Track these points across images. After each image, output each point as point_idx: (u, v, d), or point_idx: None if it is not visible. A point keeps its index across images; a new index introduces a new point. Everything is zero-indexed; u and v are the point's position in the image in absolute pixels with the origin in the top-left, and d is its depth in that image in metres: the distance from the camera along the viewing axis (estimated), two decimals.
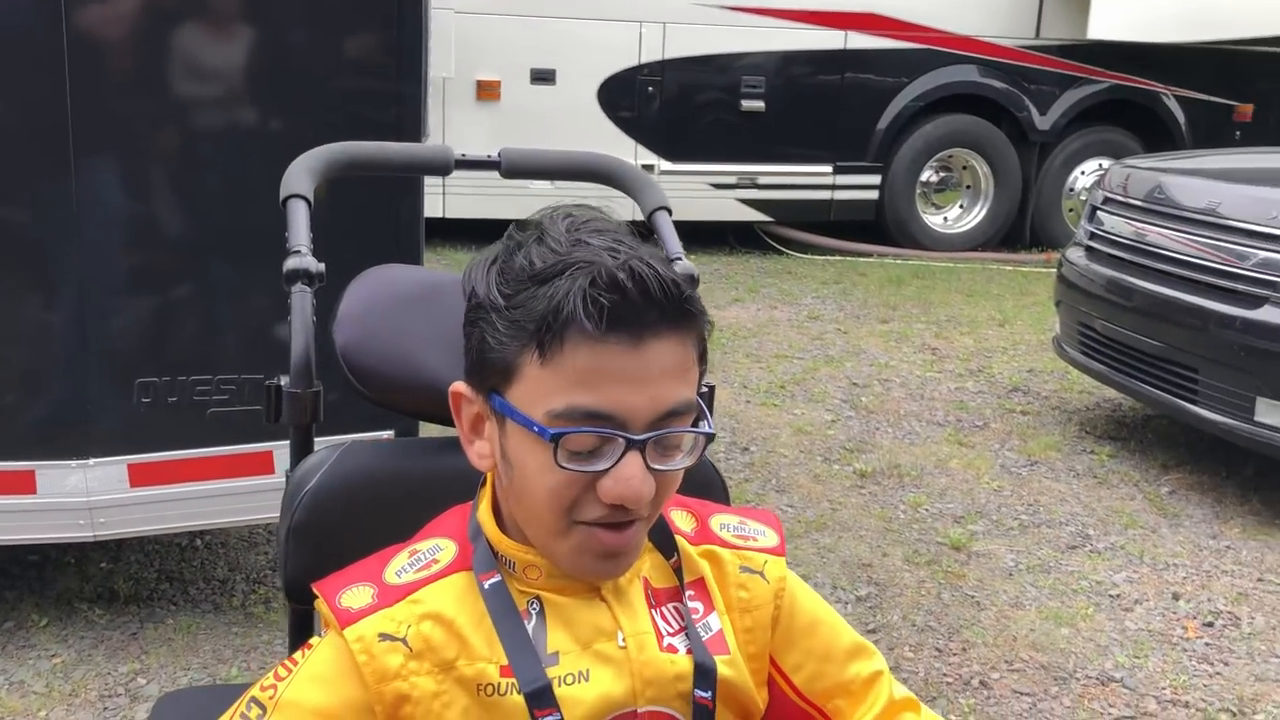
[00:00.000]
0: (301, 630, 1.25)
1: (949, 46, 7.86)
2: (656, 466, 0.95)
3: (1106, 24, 7.71)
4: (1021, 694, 2.76)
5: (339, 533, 1.09)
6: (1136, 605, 3.20)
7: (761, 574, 1.11)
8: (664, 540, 1.09)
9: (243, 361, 2.60)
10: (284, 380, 1.27)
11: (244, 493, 2.66)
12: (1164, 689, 2.78)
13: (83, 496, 2.56)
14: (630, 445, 0.93)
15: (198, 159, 2.55)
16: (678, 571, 1.09)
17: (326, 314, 1.25)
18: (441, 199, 7.10)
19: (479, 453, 1.03)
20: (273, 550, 3.28)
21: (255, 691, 1.00)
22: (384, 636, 0.98)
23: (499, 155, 1.46)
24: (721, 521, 1.14)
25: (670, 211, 1.45)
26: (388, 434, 2.59)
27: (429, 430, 2.12)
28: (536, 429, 0.93)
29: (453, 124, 7.05)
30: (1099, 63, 8.07)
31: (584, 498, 0.96)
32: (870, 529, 3.63)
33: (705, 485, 1.25)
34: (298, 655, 1.02)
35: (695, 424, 0.98)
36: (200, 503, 2.63)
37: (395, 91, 2.58)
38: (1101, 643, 2.99)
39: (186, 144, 2.54)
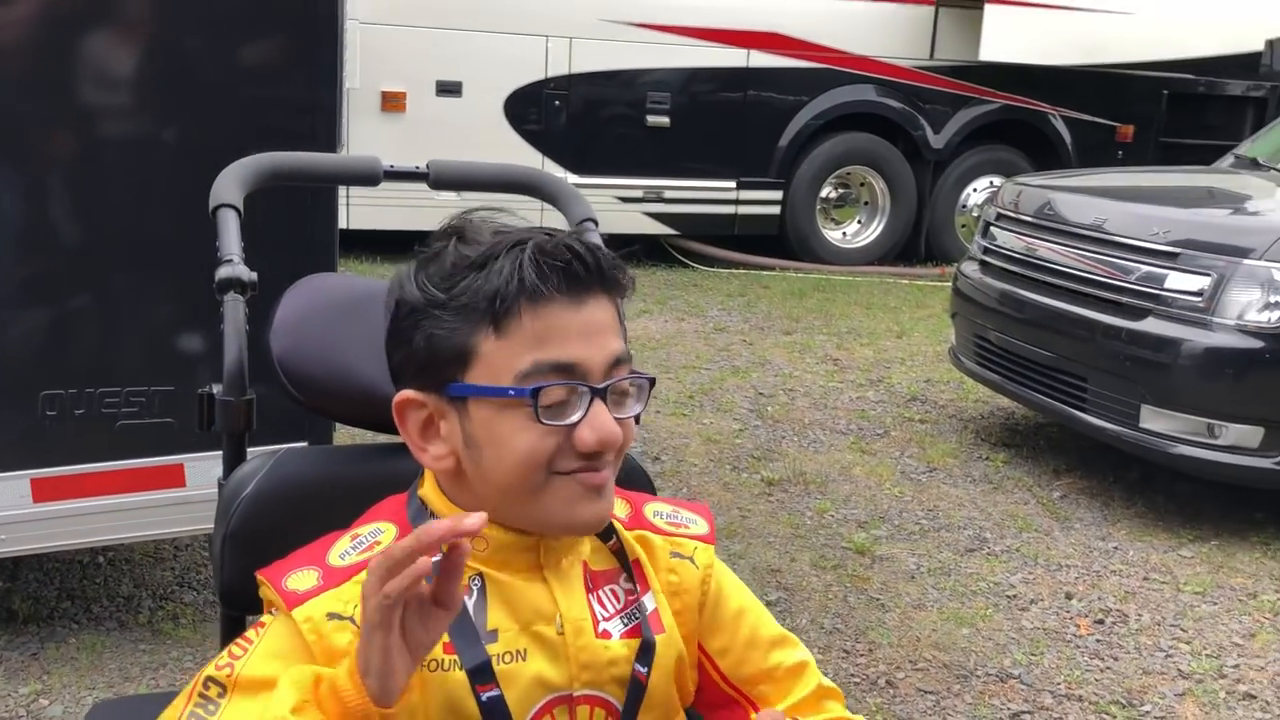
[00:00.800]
0: (234, 636, 1.25)
1: (847, 66, 8.07)
2: (617, 415, 1.03)
3: (997, 47, 8.01)
4: (926, 692, 2.85)
5: (275, 539, 1.10)
6: (1032, 605, 3.33)
7: (691, 559, 1.17)
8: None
9: (152, 373, 2.56)
10: (216, 389, 1.28)
11: (153, 507, 2.61)
12: (1059, 684, 2.91)
13: None
14: (595, 394, 1.01)
15: (103, 168, 2.50)
16: (618, 554, 1.13)
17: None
18: (345, 210, 7.03)
19: (434, 455, 1.07)
20: (180, 566, 3.22)
21: (210, 671, 1.01)
22: (332, 616, 1.01)
23: (427, 167, 1.48)
24: (655, 509, 1.20)
25: (597, 223, 1.49)
26: (302, 444, 2.57)
27: (344, 439, 2.13)
28: (513, 392, 1.00)
29: (357, 135, 6.99)
30: (990, 83, 8.37)
31: (560, 451, 1.02)
32: (779, 535, 3.71)
33: (632, 477, 1.29)
34: (250, 634, 1.04)
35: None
36: (108, 518, 2.58)
37: (310, 101, 2.58)
38: (1000, 641, 3.11)
39: (90, 152, 2.49)
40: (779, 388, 5.35)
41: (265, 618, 1.06)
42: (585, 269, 1.01)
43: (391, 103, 7.19)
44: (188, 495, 2.64)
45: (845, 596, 3.32)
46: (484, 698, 1.02)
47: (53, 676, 2.66)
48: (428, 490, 1.10)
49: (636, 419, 1.07)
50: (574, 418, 1.01)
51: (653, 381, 1.09)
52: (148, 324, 2.59)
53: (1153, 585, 3.49)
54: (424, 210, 7.09)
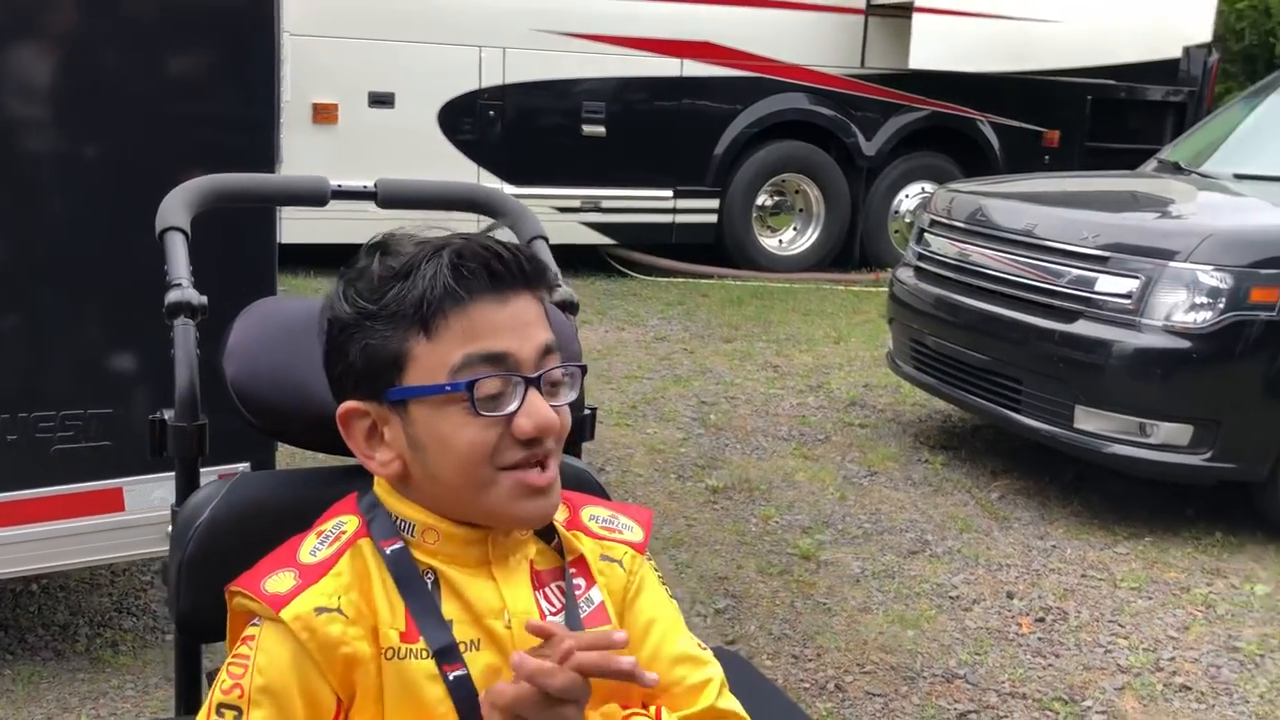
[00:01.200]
0: (189, 663, 1.24)
1: (780, 75, 8.15)
2: (552, 403, 1.08)
3: (926, 55, 8.15)
4: (874, 695, 2.89)
5: (233, 564, 1.09)
6: (975, 605, 3.39)
7: (620, 563, 1.19)
8: (544, 527, 1.16)
9: (88, 396, 2.51)
10: (168, 414, 1.26)
11: (92, 532, 2.56)
12: (1003, 682, 2.96)
13: None
14: (529, 383, 1.06)
15: (32, 187, 2.44)
16: (559, 551, 1.16)
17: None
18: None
19: (381, 461, 1.10)
20: (118, 591, 3.16)
21: (219, 698, 1.02)
22: (320, 609, 1.03)
23: (375, 186, 1.47)
24: (592, 513, 1.22)
25: (548, 240, 1.49)
26: (243, 466, 2.53)
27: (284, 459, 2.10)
28: (449, 387, 1.04)
29: (289, 148, 6.88)
30: (920, 91, 8.51)
31: (502, 443, 1.05)
32: (725, 543, 3.73)
33: (583, 486, 1.32)
34: (244, 649, 1.04)
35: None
36: (45, 545, 2.52)
37: (245, 116, 2.55)
38: (945, 642, 3.16)
39: (17, 171, 2.43)
40: (721, 395, 5.39)
41: (249, 629, 1.06)
42: (505, 267, 1.06)
43: (323, 114, 7.11)
44: (127, 519, 2.59)
45: (792, 602, 3.35)
46: (451, 676, 1.04)
47: None
48: (379, 488, 1.13)
49: (573, 407, 1.12)
50: (511, 407, 1.05)
51: (584, 369, 1.14)
52: (82, 346, 2.54)
53: (1090, 582, 3.56)
54: (357, 224, 7.04)
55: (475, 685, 1.05)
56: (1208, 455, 3.75)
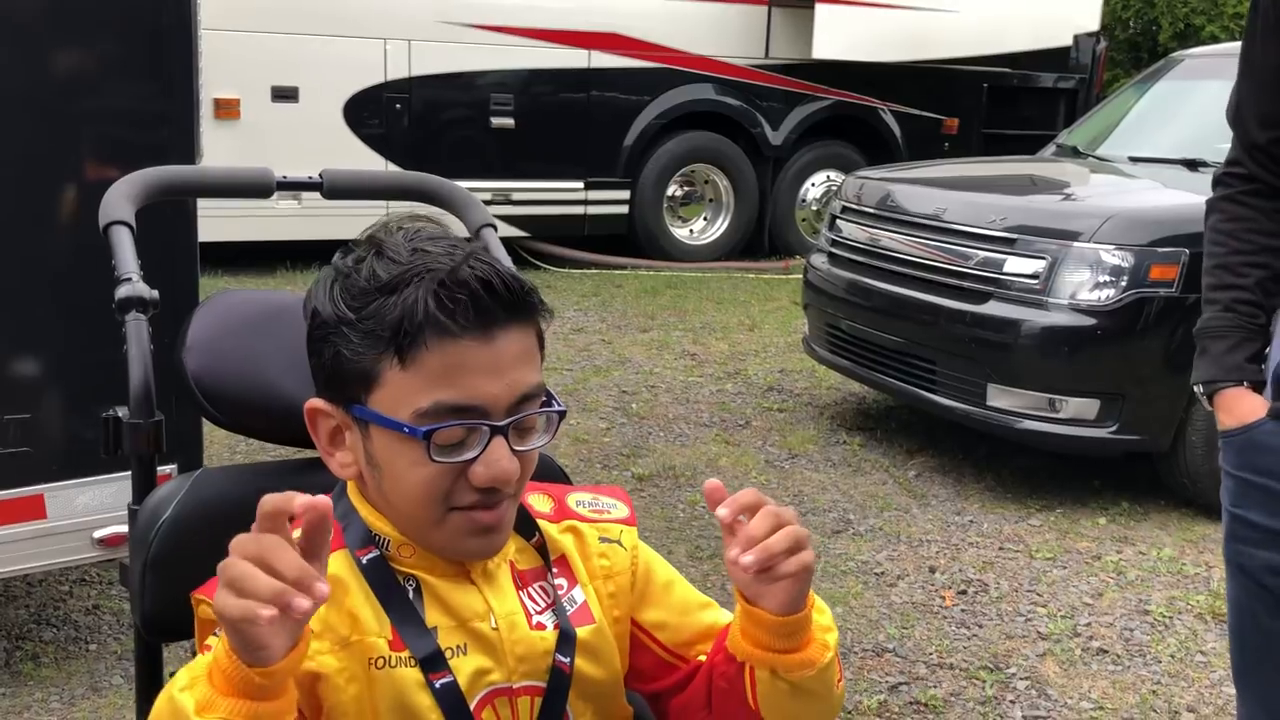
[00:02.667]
0: (150, 666, 1.22)
1: (687, 66, 8.21)
2: (519, 448, 1.04)
3: (828, 45, 8.29)
4: None
5: (199, 561, 1.07)
6: (899, 581, 3.48)
7: (619, 542, 1.20)
8: (523, 524, 1.16)
9: (6, 402, 2.43)
10: (121, 411, 1.24)
11: (13, 541, 2.47)
12: (931, 654, 3.04)
13: None
14: (495, 431, 1.01)
15: None
16: (541, 550, 1.16)
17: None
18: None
19: (341, 463, 1.08)
20: (34, 603, 3.06)
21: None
22: None
23: (321, 176, 1.46)
24: (577, 499, 1.23)
25: (495, 228, 1.49)
26: (170, 468, 2.48)
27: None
28: (407, 429, 1.00)
29: None
30: (823, 81, 8.65)
31: (456, 486, 1.02)
32: (654, 529, 3.77)
33: (549, 474, 1.32)
34: (202, 659, 1.00)
35: (546, 405, 1.07)
36: None
37: (163, 112, 2.49)
38: (872, 618, 3.24)
39: None
40: (641, 385, 5.42)
41: (210, 639, 1.03)
42: (496, 301, 0.99)
43: (225, 109, 6.96)
44: (49, 527, 2.51)
45: (723, 585, 3.39)
46: (438, 684, 1.03)
47: None
48: (354, 498, 1.11)
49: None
50: (470, 455, 1.01)
51: (563, 414, 1.08)
52: (2, 353, 2.46)
53: (1008, 554, 3.68)
54: (267, 221, 6.91)
55: (463, 691, 1.04)
56: (1114, 428, 3.90)
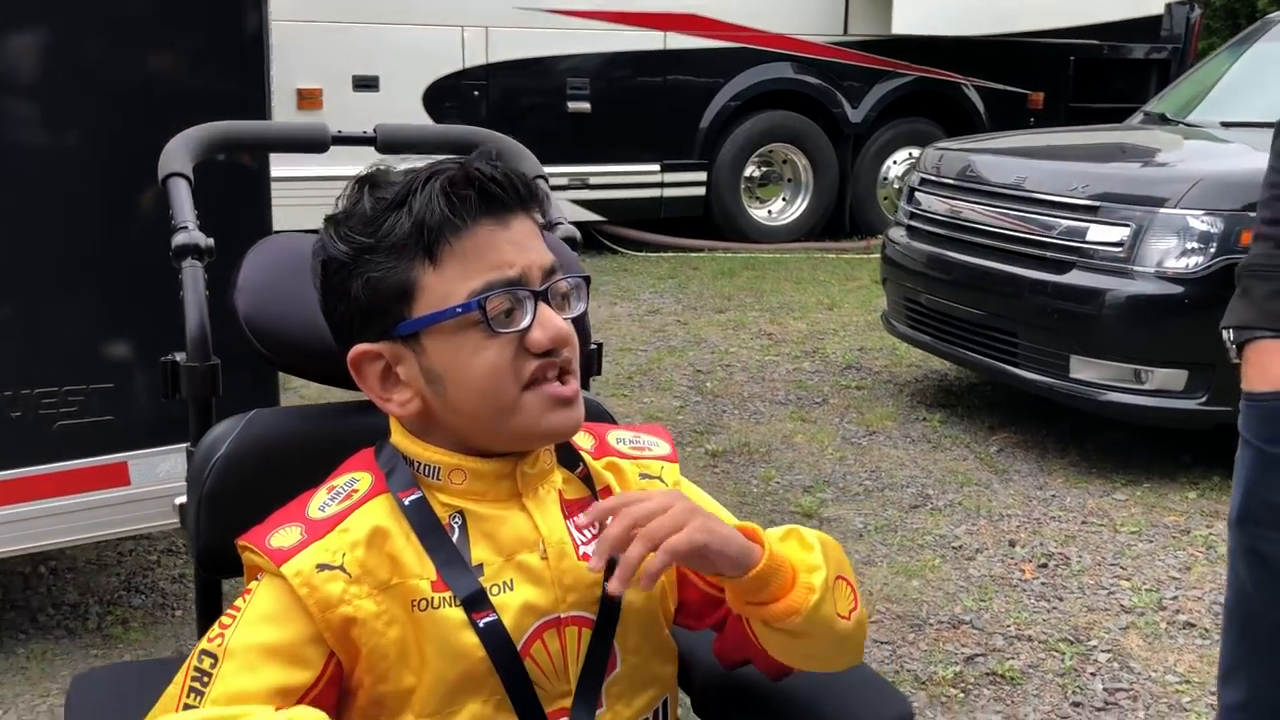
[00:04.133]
0: (209, 601, 1.25)
1: (764, 45, 8.14)
2: (563, 315, 1.09)
3: (908, 20, 8.15)
4: (881, 643, 2.91)
5: (251, 499, 1.10)
6: (978, 554, 3.42)
7: (660, 479, 1.20)
8: (568, 456, 1.16)
9: (90, 372, 2.51)
10: (180, 356, 1.27)
11: (97, 507, 2.56)
12: (1009, 626, 2.98)
13: None
14: (537, 297, 1.06)
15: (22, 171, 2.44)
16: (586, 480, 1.16)
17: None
18: None
19: (400, 401, 1.09)
20: (125, 570, 3.17)
21: (203, 645, 1.01)
22: (322, 566, 1.01)
23: (375, 131, 1.48)
24: (618, 436, 1.23)
25: (547, 180, 1.49)
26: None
27: None
28: (460, 309, 1.04)
29: None
30: (904, 57, 8.51)
31: (519, 361, 1.05)
32: (727, 505, 3.68)
33: (594, 416, 1.31)
34: (239, 602, 1.04)
35: None
36: (51, 521, 2.52)
37: (239, 97, 2.54)
38: (949, 590, 3.18)
39: (8, 157, 2.43)
40: (716, 364, 5.40)
41: (251, 584, 1.06)
42: (502, 190, 1.06)
43: (307, 100, 7.08)
44: (132, 494, 2.59)
45: None
46: (481, 624, 1.03)
47: (5, 687, 2.60)
48: (398, 438, 1.12)
49: (580, 338, 1.12)
50: (525, 322, 1.05)
51: (588, 279, 1.14)
52: (83, 323, 2.54)
53: (1091, 528, 3.59)
54: None
55: (508, 629, 1.05)
56: (1203, 399, 3.77)
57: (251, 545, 1.04)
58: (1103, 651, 2.85)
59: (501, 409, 1.06)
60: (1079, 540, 3.50)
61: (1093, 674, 2.76)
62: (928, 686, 2.71)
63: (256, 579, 1.05)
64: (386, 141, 1.48)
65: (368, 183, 1.08)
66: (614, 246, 8.17)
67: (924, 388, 5.10)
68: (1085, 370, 3.93)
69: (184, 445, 1.27)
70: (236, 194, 2.46)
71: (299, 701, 0.98)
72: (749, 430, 4.49)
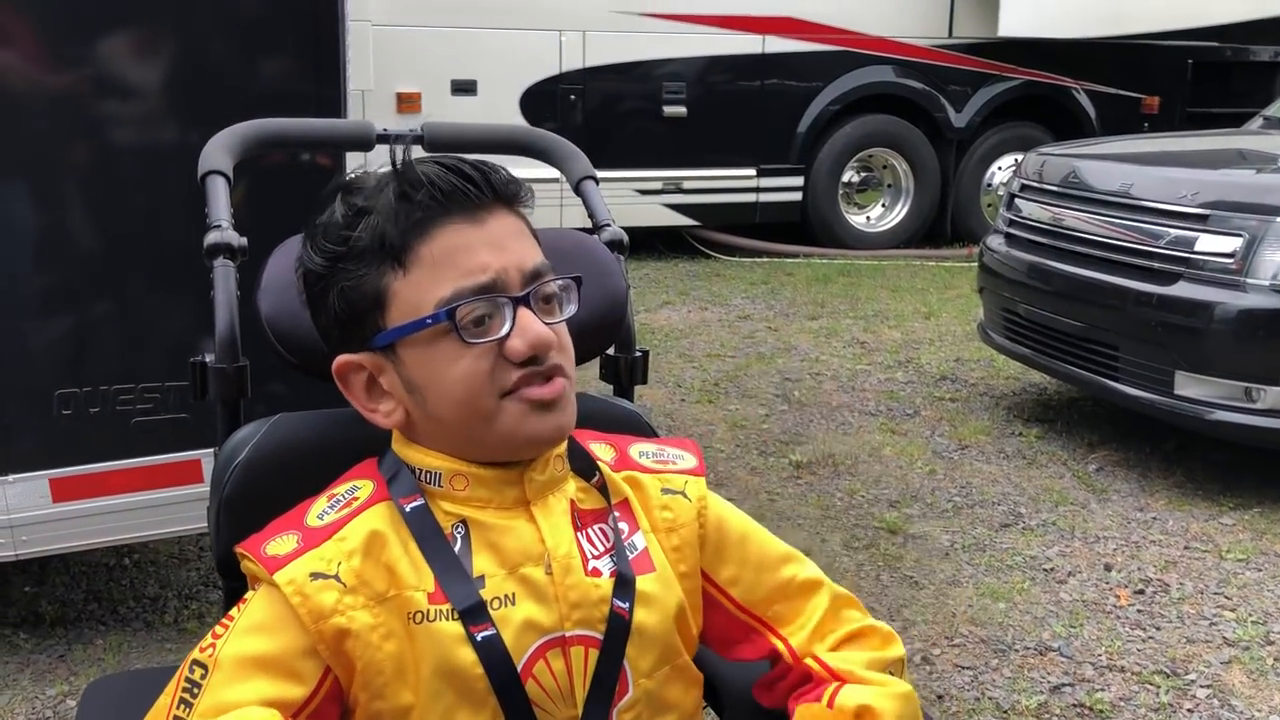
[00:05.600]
0: (233, 606, 1.22)
1: (864, 48, 7.99)
2: (548, 320, 1.01)
3: (1016, 22, 7.90)
4: (963, 668, 2.79)
5: (271, 504, 1.07)
6: (1070, 577, 3.26)
7: (683, 494, 1.13)
8: (584, 464, 1.11)
9: (167, 369, 2.54)
10: (209, 357, 1.25)
11: (172, 503, 2.59)
12: (1100, 655, 2.83)
13: (2, 514, 2.48)
14: (516, 301, 1.00)
15: (111, 173, 2.48)
16: (602, 490, 1.10)
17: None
18: None
19: (385, 412, 1.06)
20: (205, 565, 3.21)
21: (195, 654, 0.99)
22: (315, 575, 0.98)
23: (422, 129, 1.45)
24: (640, 449, 1.17)
25: (597, 180, 1.45)
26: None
27: None
28: (429, 320, 0.98)
29: None
30: (1010, 60, 8.26)
31: (498, 370, 1.00)
32: (808, 517, 3.66)
33: (630, 424, 1.27)
34: (234, 611, 1.01)
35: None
36: (126, 516, 2.57)
37: (315, 99, 2.55)
38: (1038, 615, 3.04)
39: (100, 159, 2.48)
40: (805, 372, 5.29)
41: (249, 593, 1.03)
42: (474, 186, 0.99)
43: (407, 104, 7.17)
44: (205, 491, 2.61)
45: (878, 575, 3.26)
46: (479, 637, 0.98)
47: (79, 678, 2.65)
48: (398, 445, 1.09)
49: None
50: (502, 331, 0.99)
51: (579, 280, 1.06)
52: (161, 321, 2.57)
53: (1194, 554, 3.40)
54: None
55: (508, 645, 0.99)
56: None
57: (248, 553, 1.01)
58: (1202, 687, 2.69)
59: (481, 418, 1.01)
60: (1180, 566, 3.32)
61: (1190, 710, 2.60)
62: (1010, 716, 2.58)
63: (253, 588, 1.02)
64: (434, 140, 1.44)
65: (343, 189, 1.04)
66: (707, 251, 8.10)
67: (1021, 401, 4.92)
68: (1191, 387, 3.73)
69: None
70: (309, 193, 2.47)
71: (294, 718, 0.94)
72: (836, 441, 4.37)
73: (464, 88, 7.27)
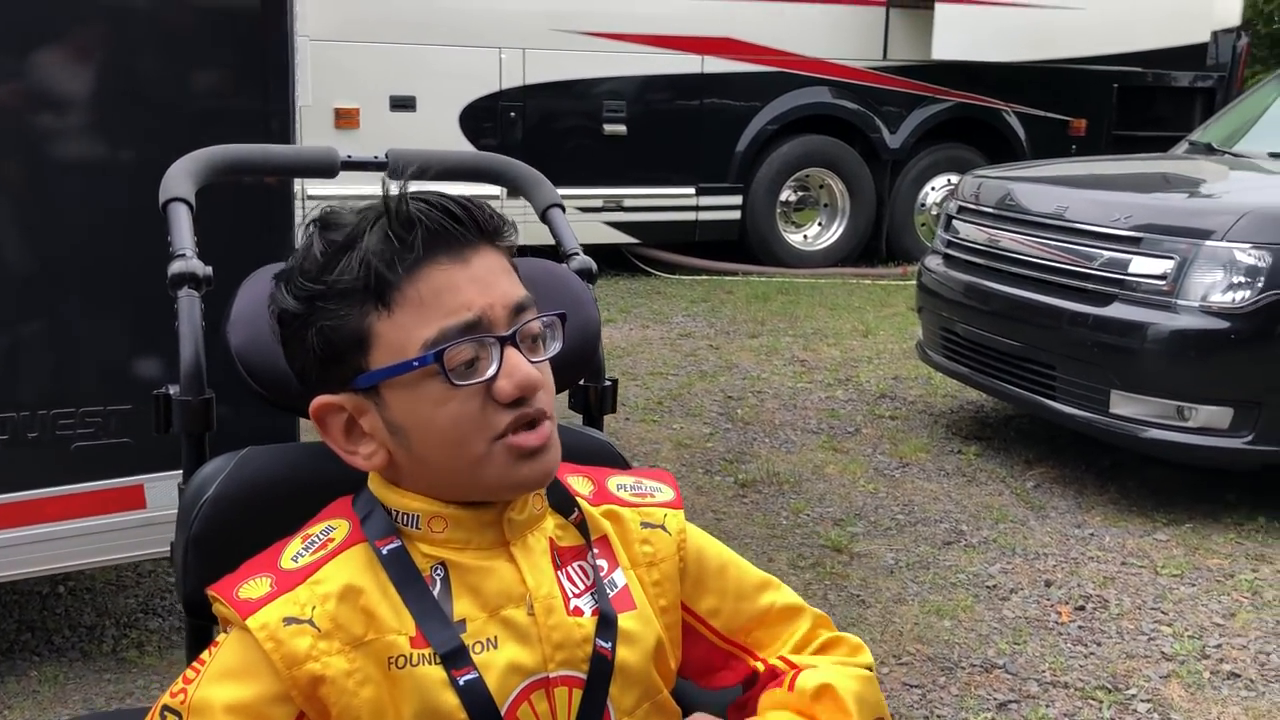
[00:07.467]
0: (200, 647, 1.19)
1: (802, 69, 8.09)
2: (534, 359, 1.01)
3: (948, 45, 8.06)
4: (911, 686, 2.82)
5: (240, 541, 1.05)
6: (1012, 594, 3.31)
7: (663, 527, 1.13)
8: (562, 501, 1.10)
9: (107, 393, 2.48)
10: (173, 389, 1.22)
11: (113, 530, 2.53)
12: (1044, 672, 2.88)
13: None
14: (503, 341, 0.98)
15: (49, 189, 2.42)
16: (580, 527, 1.09)
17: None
18: None
19: (365, 454, 1.03)
20: (144, 592, 3.13)
21: (166, 699, 0.96)
22: (289, 620, 0.95)
23: (386, 155, 1.43)
24: (618, 482, 1.16)
25: (563, 209, 1.44)
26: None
27: None
28: (417, 362, 0.96)
29: None
30: (943, 82, 8.42)
31: (487, 412, 0.98)
32: (755, 536, 3.67)
33: (603, 457, 1.28)
34: (204, 655, 0.98)
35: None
36: (68, 543, 2.49)
37: (263, 114, 2.51)
38: (982, 632, 3.08)
39: (37, 174, 2.42)
40: (748, 390, 5.33)
41: (220, 636, 1.01)
42: (460, 225, 0.98)
43: (345, 119, 7.10)
44: (149, 517, 2.56)
45: (825, 594, 3.28)
46: (461, 681, 0.97)
47: (14, 711, 2.57)
48: (374, 485, 1.06)
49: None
50: (489, 373, 0.97)
51: (563, 318, 1.05)
52: (102, 344, 2.52)
53: (1130, 570, 3.48)
54: None
55: (492, 688, 0.98)
56: (1249, 438, 3.65)
57: (219, 596, 0.99)
58: (1142, 701, 2.75)
59: (469, 462, 0.99)
60: (1118, 582, 3.39)
61: None
62: None
63: (225, 631, 1.00)
64: (397, 167, 1.43)
65: (319, 225, 1.01)
66: (647, 268, 8.13)
67: (959, 419, 4.99)
68: (1126, 406, 3.82)
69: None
70: (257, 217, 2.43)
71: None
72: (780, 459, 4.40)
73: (403, 104, 7.23)
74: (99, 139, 2.47)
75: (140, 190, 2.42)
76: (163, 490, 2.55)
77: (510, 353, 0.98)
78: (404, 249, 0.96)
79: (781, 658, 1.13)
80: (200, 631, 1.21)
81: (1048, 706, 2.72)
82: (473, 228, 0.99)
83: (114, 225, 2.46)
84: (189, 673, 0.97)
